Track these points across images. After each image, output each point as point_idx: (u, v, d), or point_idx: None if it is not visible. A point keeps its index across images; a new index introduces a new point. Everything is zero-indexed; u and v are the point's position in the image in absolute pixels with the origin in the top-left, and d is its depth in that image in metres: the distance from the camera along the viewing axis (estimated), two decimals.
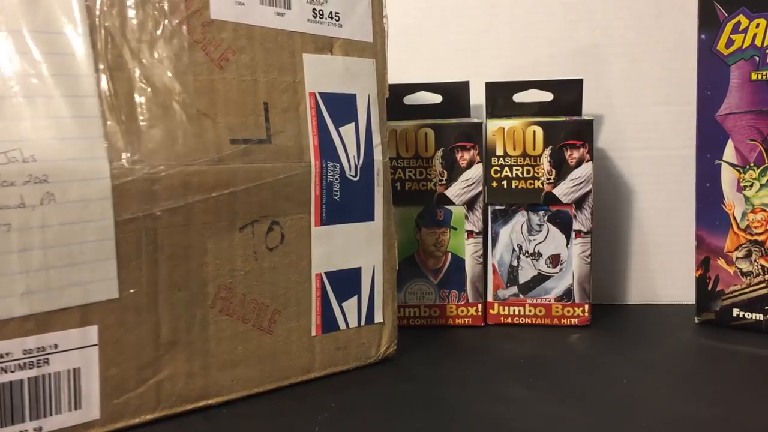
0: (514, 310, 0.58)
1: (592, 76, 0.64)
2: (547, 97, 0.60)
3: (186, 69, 0.39)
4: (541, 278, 0.58)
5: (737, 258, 0.56)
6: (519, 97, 0.60)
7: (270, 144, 0.42)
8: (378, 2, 0.47)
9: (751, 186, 0.55)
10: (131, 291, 0.37)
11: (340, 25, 0.45)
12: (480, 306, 0.58)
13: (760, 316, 0.55)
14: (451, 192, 0.57)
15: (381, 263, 0.48)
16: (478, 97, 0.62)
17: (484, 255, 0.58)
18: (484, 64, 0.65)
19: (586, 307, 0.57)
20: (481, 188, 0.57)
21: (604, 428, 0.38)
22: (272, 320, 0.43)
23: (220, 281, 0.40)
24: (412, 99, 0.60)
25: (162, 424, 0.39)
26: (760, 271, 0.55)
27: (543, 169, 0.57)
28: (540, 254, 0.58)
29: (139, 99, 0.37)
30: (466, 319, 0.58)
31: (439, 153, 0.57)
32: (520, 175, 0.57)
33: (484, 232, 0.58)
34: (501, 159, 0.57)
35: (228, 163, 0.40)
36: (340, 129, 0.45)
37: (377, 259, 0.48)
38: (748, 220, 0.55)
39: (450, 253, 0.58)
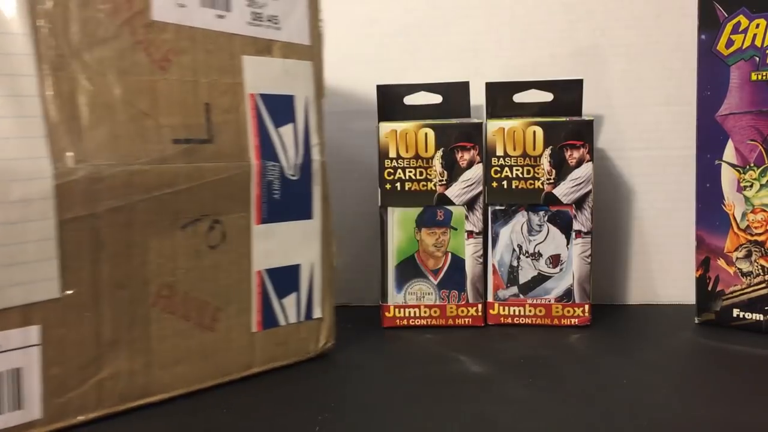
0: (514, 311, 0.58)
1: (592, 76, 0.64)
2: (547, 97, 0.60)
3: (128, 69, 0.39)
4: (541, 278, 0.58)
5: (737, 258, 0.56)
6: (519, 98, 0.60)
7: (211, 144, 0.43)
8: (314, 6, 0.48)
9: (751, 186, 0.55)
10: (73, 290, 0.37)
11: (279, 28, 0.46)
12: (480, 306, 0.58)
13: (760, 317, 0.55)
14: (452, 192, 0.57)
15: (319, 260, 0.49)
16: (478, 97, 0.62)
17: (484, 255, 0.58)
18: (484, 65, 0.65)
19: (586, 307, 0.57)
20: (481, 188, 0.57)
21: (604, 428, 0.38)
22: (214, 318, 0.44)
23: (162, 279, 0.41)
24: (412, 99, 0.60)
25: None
26: (760, 271, 0.55)
27: (543, 169, 0.57)
28: (540, 254, 0.58)
29: (81, 99, 0.37)
30: (466, 320, 0.58)
31: (440, 153, 0.57)
32: (520, 176, 0.57)
33: (484, 233, 0.58)
34: (501, 159, 0.57)
35: (170, 163, 0.41)
36: (280, 129, 0.46)
37: (316, 257, 0.49)
38: (748, 220, 0.55)
39: (450, 254, 0.58)
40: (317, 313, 0.49)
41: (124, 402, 0.40)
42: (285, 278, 0.47)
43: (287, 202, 0.47)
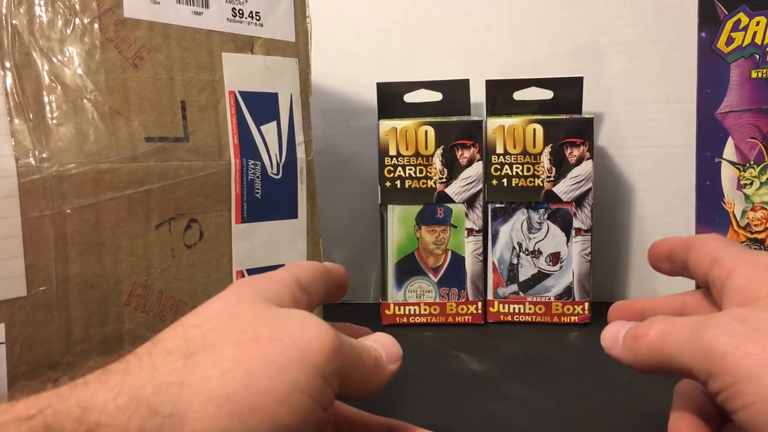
0: (514, 308, 0.58)
1: (592, 74, 0.64)
2: (547, 95, 0.60)
3: (98, 67, 0.39)
4: (541, 276, 0.58)
5: None
6: (519, 95, 0.60)
7: (187, 142, 0.42)
8: (301, 2, 0.48)
9: (751, 184, 0.55)
10: (41, 289, 0.37)
11: (261, 25, 0.46)
12: (480, 304, 0.58)
13: None
14: (452, 190, 0.57)
15: (306, 260, 0.49)
16: (478, 95, 0.62)
17: (484, 253, 0.58)
18: (484, 62, 0.65)
19: (586, 305, 0.58)
20: (481, 186, 0.57)
21: (604, 426, 0.38)
22: None
23: (135, 279, 0.40)
24: (412, 97, 0.60)
25: None
26: None
27: (543, 167, 0.57)
28: (540, 252, 0.58)
29: (47, 97, 0.37)
30: (466, 317, 0.58)
31: (440, 151, 0.57)
32: (521, 173, 0.57)
33: (484, 230, 0.58)
34: (501, 157, 0.57)
35: (142, 161, 0.40)
36: (261, 127, 0.46)
37: (301, 256, 0.49)
38: (748, 218, 0.55)
39: (450, 251, 0.58)
40: None
41: None
42: None
43: (270, 201, 0.46)
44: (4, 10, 0.36)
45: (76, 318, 0.39)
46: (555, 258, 0.58)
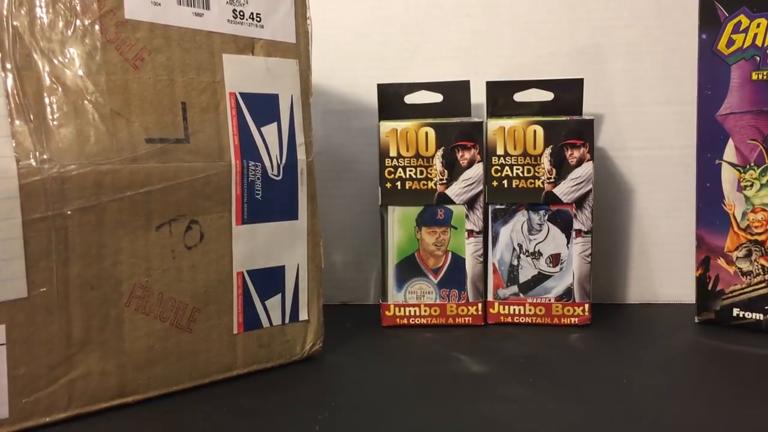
0: (514, 310, 0.58)
1: (592, 75, 0.64)
2: (547, 96, 0.60)
3: (99, 68, 0.39)
4: (541, 277, 0.58)
5: (737, 258, 0.56)
6: (519, 97, 0.60)
7: (188, 144, 0.42)
8: (301, 4, 0.48)
9: (752, 186, 0.55)
10: (41, 290, 0.37)
11: (262, 26, 0.46)
12: (480, 305, 0.58)
13: (760, 316, 0.55)
14: (452, 191, 0.57)
15: (305, 261, 0.49)
16: (478, 96, 0.62)
17: (485, 254, 0.58)
18: (484, 64, 0.65)
19: (587, 306, 0.58)
20: (481, 187, 0.57)
21: (604, 427, 0.38)
22: (192, 318, 0.43)
23: (136, 280, 0.41)
24: (412, 98, 0.60)
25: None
26: (760, 270, 0.55)
27: (543, 168, 0.57)
28: (540, 253, 0.58)
29: (48, 98, 0.37)
30: (467, 319, 0.58)
31: (440, 152, 0.57)
32: (521, 175, 0.57)
33: (484, 232, 0.58)
34: (501, 158, 0.57)
35: (143, 163, 0.40)
36: (262, 129, 0.46)
37: (301, 258, 0.49)
38: (748, 219, 0.55)
39: (450, 253, 0.58)
40: (303, 315, 0.49)
41: (96, 403, 0.40)
42: (268, 280, 0.47)
43: (270, 202, 0.46)
44: (5, 12, 0.36)
45: (77, 319, 0.39)
46: (555, 259, 0.58)
